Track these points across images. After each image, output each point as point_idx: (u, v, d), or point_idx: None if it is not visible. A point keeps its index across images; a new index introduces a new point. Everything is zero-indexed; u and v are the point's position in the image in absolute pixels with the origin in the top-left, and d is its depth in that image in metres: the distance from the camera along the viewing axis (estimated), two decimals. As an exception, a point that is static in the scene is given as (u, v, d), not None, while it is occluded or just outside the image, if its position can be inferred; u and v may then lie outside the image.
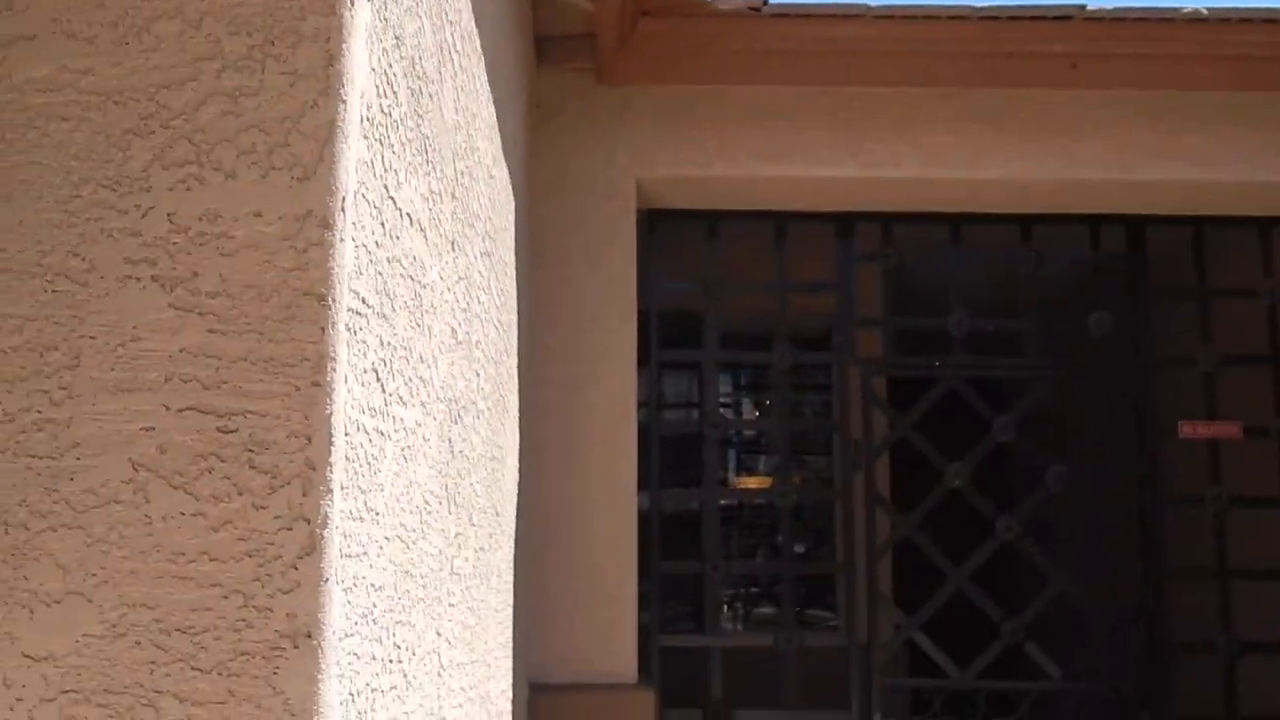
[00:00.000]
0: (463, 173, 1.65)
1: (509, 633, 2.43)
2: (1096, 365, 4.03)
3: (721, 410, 6.55)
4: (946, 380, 3.96)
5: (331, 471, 0.76)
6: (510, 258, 2.72)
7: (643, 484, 3.69)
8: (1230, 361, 3.88)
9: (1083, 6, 3.27)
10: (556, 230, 3.58)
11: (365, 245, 0.93)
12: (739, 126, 3.65)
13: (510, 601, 2.54)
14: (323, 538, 0.74)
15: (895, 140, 3.65)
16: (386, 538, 0.95)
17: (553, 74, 3.68)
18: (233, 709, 0.71)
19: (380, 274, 0.99)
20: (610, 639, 3.36)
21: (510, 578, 2.55)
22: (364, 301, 0.92)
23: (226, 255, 0.79)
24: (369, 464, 0.87)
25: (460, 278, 1.62)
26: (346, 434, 0.81)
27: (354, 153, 0.90)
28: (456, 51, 1.60)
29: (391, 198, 1.05)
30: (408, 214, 1.14)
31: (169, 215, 0.80)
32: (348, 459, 0.80)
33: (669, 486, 4.08)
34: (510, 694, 2.41)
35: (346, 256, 0.85)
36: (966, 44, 3.43)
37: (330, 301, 0.81)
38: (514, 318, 2.76)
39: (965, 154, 3.65)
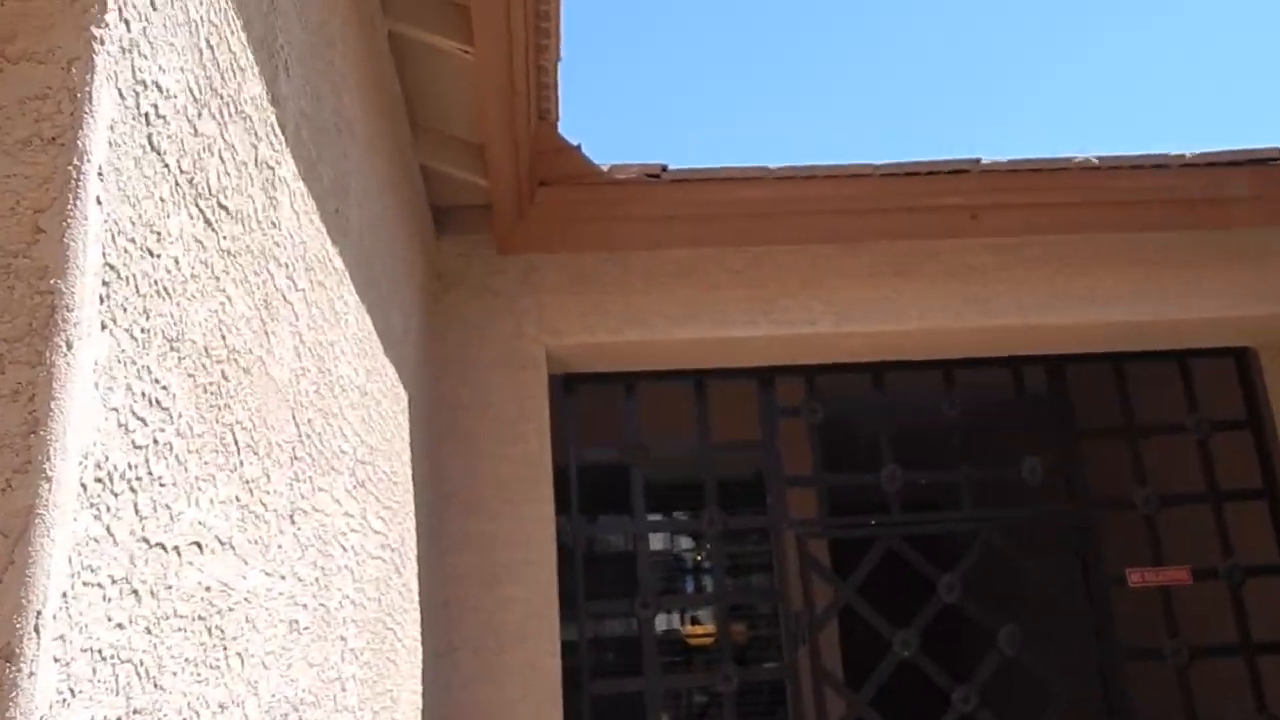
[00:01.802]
0: (309, 422, 1.46)
1: None
2: (1035, 513, 3.89)
3: (655, 556, 6.24)
4: (884, 540, 3.79)
5: None
6: (404, 459, 2.51)
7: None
8: (1169, 502, 3.78)
9: (977, 160, 3.26)
10: (462, 408, 3.38)
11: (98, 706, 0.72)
12: (648, 290, 3.55)
13: None
14: None
15: (807, 296, 3.57)
16: None
17: (453, 244, 3.55)
18: None
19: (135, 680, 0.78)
20: None
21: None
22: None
23: None
24: None
25: (307, 544, 1.40)
26: None
27: (62, 556, 0.69)
28: (300, 289, 1.42)
29: (157, 541, 0.85)
30: (195, 543, 0.93)
31: None
32: None
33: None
34: None
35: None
36: (869, 200, 3.39)
37: None
38: (409, 525, 2.53)
39: (879, 307, 3.58)
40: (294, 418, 1.35)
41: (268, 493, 1.21)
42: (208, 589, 0.97)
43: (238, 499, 1.08)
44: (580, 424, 3.88)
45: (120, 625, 0.77)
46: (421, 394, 3.07)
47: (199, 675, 0.94)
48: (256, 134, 1.19)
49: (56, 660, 0.67)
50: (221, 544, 1.01)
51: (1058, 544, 3.82)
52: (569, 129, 3.04)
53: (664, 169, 3.26)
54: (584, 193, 3.29)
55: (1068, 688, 3.60)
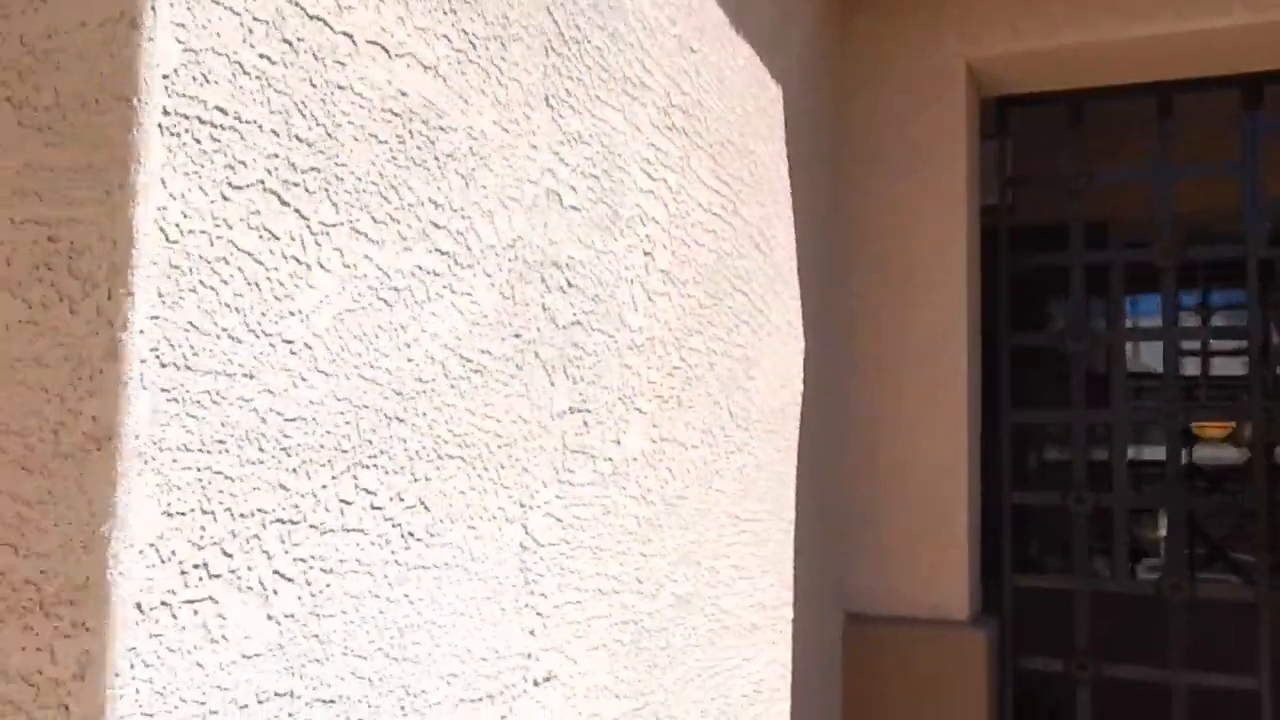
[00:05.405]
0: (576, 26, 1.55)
1: (782, 549, 2.34)
2: None
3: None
4: None
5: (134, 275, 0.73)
6: (770, 144, 2.52)
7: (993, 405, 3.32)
8: None
9: None
10: (870, 133, 3.28)
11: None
12: (1095, -19, 3.06)
13: (789, 517, 2.45)
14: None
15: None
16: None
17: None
18: (51, 509, 0.71)
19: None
20: (936, 572, 3.06)
21: (786, 493, 2.45)
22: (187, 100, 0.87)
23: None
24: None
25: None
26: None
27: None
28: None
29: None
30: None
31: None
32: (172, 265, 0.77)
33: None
34: (789, 613, 2.30)
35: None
36: None
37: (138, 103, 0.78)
38: (775, 212, 2.58)
39: None
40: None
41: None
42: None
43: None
44: (1016, 155, 3.58)
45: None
46: (822, 110, 3.04)
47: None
48: None
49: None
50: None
51: None
52: None
53: None
54: None
55: None
